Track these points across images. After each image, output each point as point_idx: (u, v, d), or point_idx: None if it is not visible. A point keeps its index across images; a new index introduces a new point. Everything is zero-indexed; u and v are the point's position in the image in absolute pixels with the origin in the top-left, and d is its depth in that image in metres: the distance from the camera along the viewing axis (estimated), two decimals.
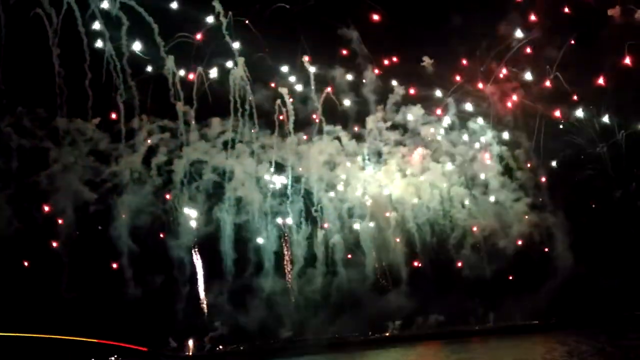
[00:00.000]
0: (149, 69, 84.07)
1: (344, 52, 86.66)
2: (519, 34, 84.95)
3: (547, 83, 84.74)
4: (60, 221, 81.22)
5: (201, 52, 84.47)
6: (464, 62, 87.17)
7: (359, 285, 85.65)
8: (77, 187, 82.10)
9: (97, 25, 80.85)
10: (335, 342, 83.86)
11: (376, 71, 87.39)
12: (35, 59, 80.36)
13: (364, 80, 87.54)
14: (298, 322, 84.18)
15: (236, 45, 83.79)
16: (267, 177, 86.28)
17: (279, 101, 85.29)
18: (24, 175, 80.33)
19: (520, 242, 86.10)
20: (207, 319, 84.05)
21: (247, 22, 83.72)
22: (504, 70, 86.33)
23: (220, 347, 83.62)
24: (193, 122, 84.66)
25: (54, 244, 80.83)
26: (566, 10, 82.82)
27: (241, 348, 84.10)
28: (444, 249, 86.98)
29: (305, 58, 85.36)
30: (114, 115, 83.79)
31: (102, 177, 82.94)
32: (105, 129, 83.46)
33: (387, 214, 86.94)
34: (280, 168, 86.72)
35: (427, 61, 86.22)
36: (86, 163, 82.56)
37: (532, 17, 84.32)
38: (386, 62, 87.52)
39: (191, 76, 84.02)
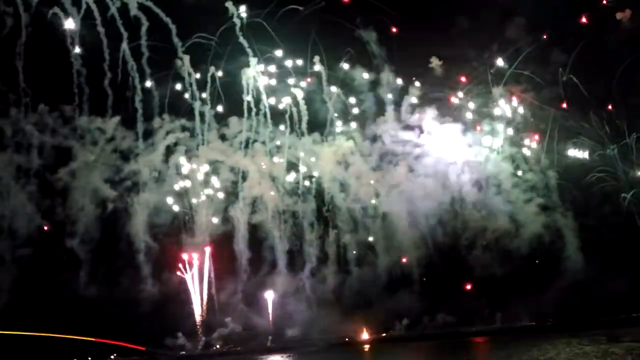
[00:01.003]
0: (167, 69, 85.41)
1: (357, 53, 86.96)
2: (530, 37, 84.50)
3: (559, 86, 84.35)
4: (78, 218, 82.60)
5: (217, 52, 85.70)
6: (475, 64, 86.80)
7: (369, 285, 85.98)
8: (96, 185, 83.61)
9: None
10: (334, 342, 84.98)
11: (391, 72, 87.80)
12: (56, 58, 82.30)
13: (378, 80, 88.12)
14: (306, 321, 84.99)
15: (250, 45, 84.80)
16: (281, 176, 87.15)
17: (291, 101, 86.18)
18: (45, 172, 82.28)
19: (529, 243, 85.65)
20: (218, 317, 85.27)
21: (263, 23, 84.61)
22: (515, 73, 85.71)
23: (217, 346, 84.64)
24: (207, 120, 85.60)
25: (73, 241, 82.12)
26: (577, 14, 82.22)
27: (238, 348, 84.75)
28: (455, 249, 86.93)
29: (317, 58, 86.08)
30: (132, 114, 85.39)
31: (121, 175, 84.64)
32: (123, 128, 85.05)
33: (399, 214, 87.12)
34: (294, 168, 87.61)
35: (435, 62, 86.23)
36: (106, 161, 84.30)
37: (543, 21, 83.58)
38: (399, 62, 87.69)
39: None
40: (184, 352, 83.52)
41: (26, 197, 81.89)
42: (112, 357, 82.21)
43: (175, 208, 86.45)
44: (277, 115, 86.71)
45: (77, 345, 79.35)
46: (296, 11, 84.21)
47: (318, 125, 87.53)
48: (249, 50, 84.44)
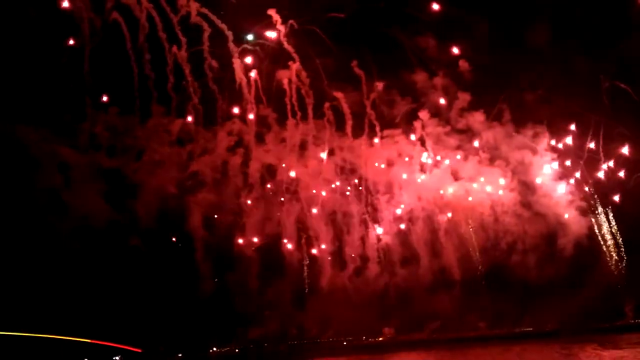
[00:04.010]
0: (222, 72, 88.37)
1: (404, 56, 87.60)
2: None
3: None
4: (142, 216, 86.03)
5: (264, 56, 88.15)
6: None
7: (410, 287, 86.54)
8: (161, 184, 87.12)
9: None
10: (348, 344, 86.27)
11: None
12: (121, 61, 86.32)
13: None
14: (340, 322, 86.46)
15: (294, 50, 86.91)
16: (328, 177, 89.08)
17: (335, 104, 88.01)
18: (113, 171, 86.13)
19: (571, 247, 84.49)
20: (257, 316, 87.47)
21: (310, 28, 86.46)
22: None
23: (214, 348, 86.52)
24: (252, 120, 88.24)
25: (137, 240, 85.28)
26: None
27: (236, 350, 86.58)
28: (495, 253, 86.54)
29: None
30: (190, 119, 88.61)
31: (182, 175, 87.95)
32: (185, 131, 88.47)
33: (441, 217, 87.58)
34: (341, 169, 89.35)
35: (463, 66, 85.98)
36: (168, 161, 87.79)
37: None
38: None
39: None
40: (180, 355, 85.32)
41: (95, 194, 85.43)
42: (116, 358, 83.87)
43: (229, 207, 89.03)
44: (321, 118, 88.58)
45: (71, 346, 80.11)
46: (340, 18, 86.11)
47: (364, 128, 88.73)
48: (294, 56, 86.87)
